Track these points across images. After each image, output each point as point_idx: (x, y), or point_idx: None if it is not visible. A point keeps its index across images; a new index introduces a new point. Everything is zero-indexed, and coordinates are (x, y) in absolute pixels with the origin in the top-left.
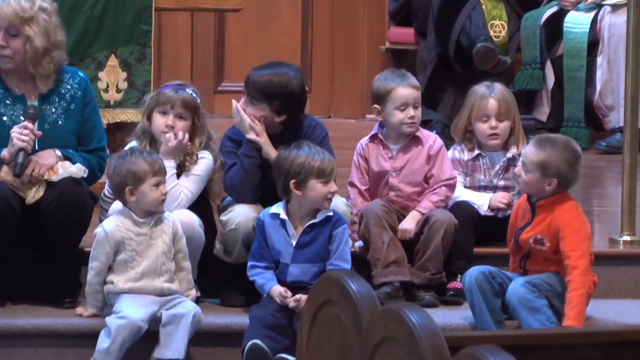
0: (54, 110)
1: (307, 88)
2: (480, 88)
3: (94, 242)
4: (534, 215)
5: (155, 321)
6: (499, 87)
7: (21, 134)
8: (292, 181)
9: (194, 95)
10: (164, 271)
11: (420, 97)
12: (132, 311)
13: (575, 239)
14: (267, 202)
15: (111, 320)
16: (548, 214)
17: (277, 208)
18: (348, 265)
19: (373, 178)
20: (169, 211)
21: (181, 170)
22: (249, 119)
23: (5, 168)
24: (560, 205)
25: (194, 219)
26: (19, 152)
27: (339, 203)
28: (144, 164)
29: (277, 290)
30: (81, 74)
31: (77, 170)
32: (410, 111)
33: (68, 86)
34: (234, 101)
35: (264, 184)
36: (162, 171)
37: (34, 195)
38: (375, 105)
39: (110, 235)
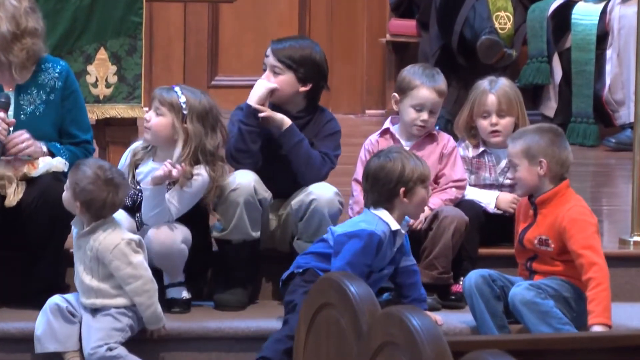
0: (31, 101)
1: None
2: (483, 83)
3: None
4: (536, 213)
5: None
6: (502, 82)
7: None
8: (402, 189)
9: (177, 94)
10: (86, 290)
11: (441, 103)
12: None
13: (584, 235)
14: (266, 180)
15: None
16: (551, 211)
17: (392, 222)
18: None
19: None
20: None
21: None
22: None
23: None
24: (563, 201)
25: (172, 237)
26: None
27: (326, 190)
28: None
29: None
30: (63, 64)
31: (58, 163)
32: (424, 115)
33: (48, 76)
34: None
35: (272, 161)
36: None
37: (13, 195)
38: (395, 94)
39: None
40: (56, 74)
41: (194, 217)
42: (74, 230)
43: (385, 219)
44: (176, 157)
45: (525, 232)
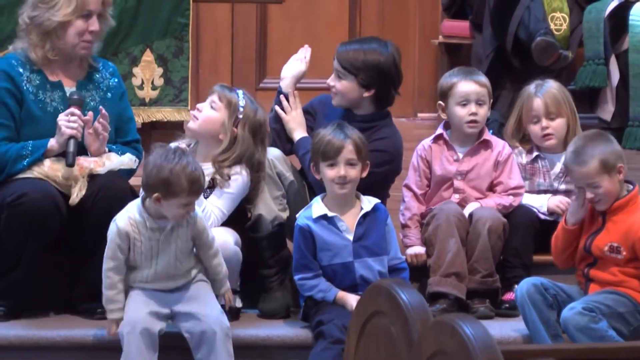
0: (91, 97)
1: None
2: (529, 88)
3: (108, 241)
4: (604, 219)
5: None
6: (548, 84)
7: (69, 121)
8: (312, 164)
9: (238, 96)
10: (180, 273)
11: (487, 95)
12: (133, 312)
13: None
14: None
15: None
16: (623, 218)
17: (319, 208)
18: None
19: (435, 181)
20: None
21: (214, 184)
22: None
23: (48, 162)
24: (635, 208)
25: (227, 239)
26: (69, 141)
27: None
28: (184, 182)
29: (347, 296)
30: (110, 63)
31: (129, 160)
32: (472, 107)
33: (102, 74)
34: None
35: None
36: (198, 192)
37: (77, 194)
38: (440, 102)
39: (122, 231)
40: (108, 74)
41: (234, 223)
42: (154, 236)
43: (313, 205)
44: (215, 156)
45: (593, 238)
